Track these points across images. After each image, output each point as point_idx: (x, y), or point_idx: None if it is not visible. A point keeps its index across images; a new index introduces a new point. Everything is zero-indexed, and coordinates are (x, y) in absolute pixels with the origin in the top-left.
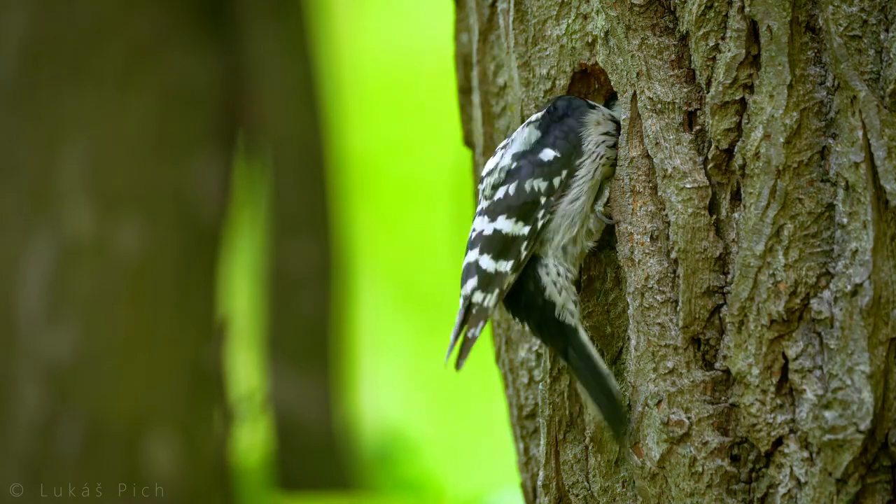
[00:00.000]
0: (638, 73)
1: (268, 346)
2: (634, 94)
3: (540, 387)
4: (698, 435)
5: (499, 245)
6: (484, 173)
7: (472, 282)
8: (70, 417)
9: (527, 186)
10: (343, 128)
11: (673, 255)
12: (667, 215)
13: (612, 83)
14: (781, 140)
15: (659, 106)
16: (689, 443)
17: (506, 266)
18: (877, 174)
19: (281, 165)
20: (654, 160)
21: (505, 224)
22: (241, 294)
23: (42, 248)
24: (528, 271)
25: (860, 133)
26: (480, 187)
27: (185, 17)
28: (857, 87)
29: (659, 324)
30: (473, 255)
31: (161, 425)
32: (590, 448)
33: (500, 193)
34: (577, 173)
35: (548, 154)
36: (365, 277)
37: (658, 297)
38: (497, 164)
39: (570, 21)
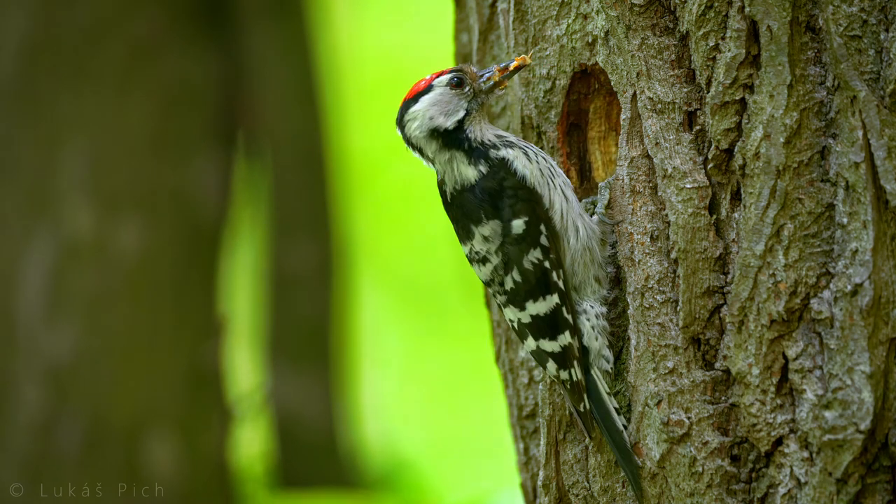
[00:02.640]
0: (638, 73)
1: (268, 346)
2: (634, 94)
3: (540, 387)
4: (698, 435)
5: (545, 326)
6: (483, 279)
7: (552, 367)
8: (70, 417)
9: (526, 265)
10: (343, 128)
11: (673, 255)
12: (667, 215)
13: (612, 83)
14: (781, 140)
15: (659, 106)
16: (689, 443)
17: (565, 338)
18: (877, 174)
19: (281, 165)
20: (654, 160)
21: (536, 307)
22: (241, 294)
23: (42, 247)
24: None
25: (860, 133)
26: (489, 290)
27: (184, 17)
28: (857, 87)
29: (659, 324)
30: (532, 343)
31: (161, 425)
32: (590, 448)
33: (509, 284)
34: (553, 215)
35: (517, 226)
36: (365, 277)
37: (658, 297)
38: (492, 270)
39: (570, 21)
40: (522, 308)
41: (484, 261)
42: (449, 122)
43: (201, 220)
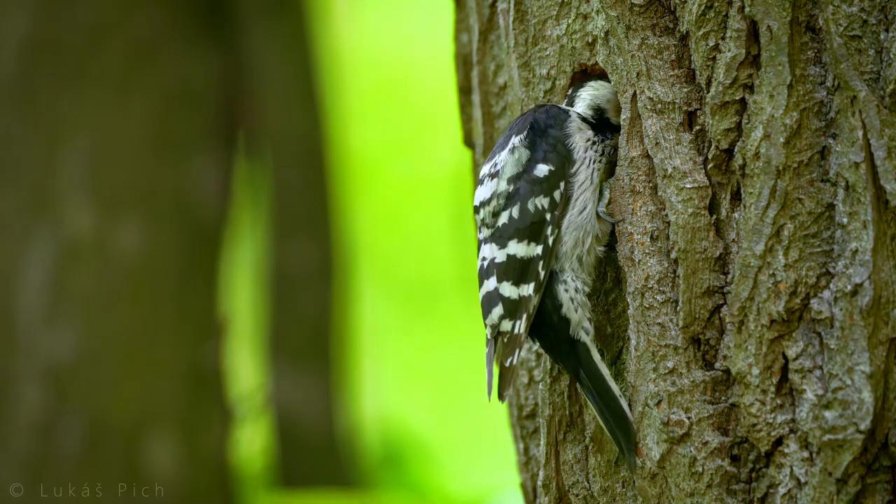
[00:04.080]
0: (638, 73)
1: (268, 346)
2: (634, 94)
3: (540, 387)
4: (698, 435)
5: (516, 270)
6: (478, 202)
7: (498, 310)
8: (70, 417)
9: (530, 206)
10: (343, 128)
11: (673, 255)
12: (667, 215)
13: (613, 83)
14: (781, 140)
15: (659, 106)
16: (689, 443)
17: (528, 289)
18: (877, 174)
19: (281, 165)
20: (654, 160)
21: (517, 248)
22: (242, 294)
23: (42, 247)
24: (546, 289)
25: (860, 133)
26: (478, 217)
27: (184, 17)
28: (857, 87)
29: (659, 324)
30: (492, 283)
31: (161, 425)
32: (590, 448)
33: (503, 219)
34: (574, 182)
35: (542, 169)
36: (365, 277)
37: (658, 297)
38: (494, 191)
39: (570, 21)
40: (503, 245)
41: (495, 176)
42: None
43: (202, 220)
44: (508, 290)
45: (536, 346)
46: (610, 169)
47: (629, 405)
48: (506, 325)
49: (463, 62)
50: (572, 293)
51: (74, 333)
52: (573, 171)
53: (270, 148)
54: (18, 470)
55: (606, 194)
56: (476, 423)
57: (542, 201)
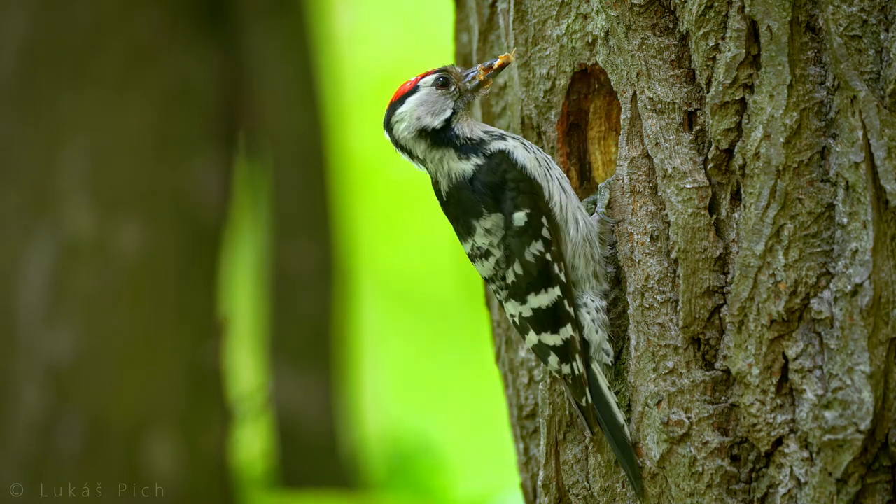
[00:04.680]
0: (638, 73)
1: (269, 346)
2: (634, 94)
3: (540, 387)
4: (698, 435)
5: (547, 319)
6: (484, 277)
7: (553, 360)
8: (70, 417)
9: (528, 257)
10: (343, 128)
11: (673, 255)
12: (667, 215)
13: (612, 83)
14: (781, 140)
15: (659, 106)
16: (689, 443)
17: (568, 331)
18: (877, 174)
19: (281, 165)
20: (654, 160)
21: (538, 300)
22: (242, 294)
23: (42, 248)
24: None
25: (860, 133)
26: (492, 287)
27: (184, 18)
28: (857, 87)
29: (659, 324)
30: (533, 337)
31: (161, 425)
32: (590, 448)
33: (510, 277)
34: (553, 206)
35: (519, 218)
36: (365, 277)
37: (658, 297)
38: (494, 263)
39: (570, 21)
40: (524, 301)
41: (486, 255)
42: (436, 122)
43: (202, 221)
44: (552, 339)
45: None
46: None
47: (629, 405)
48: (566, 370)
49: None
50: (593, 314)
51: (74, 333)
52: (547, 198)
53: (270, 148)
54: (18, 470)
55: (606, 194)
56: (476, 423)
57: (537, 247)
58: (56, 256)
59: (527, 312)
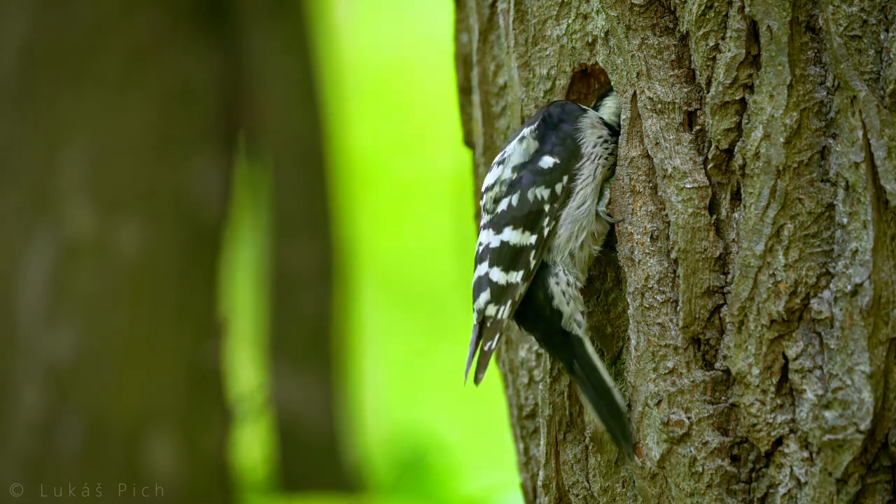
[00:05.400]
0: (638, 73)
1: (269, 347)
2: (634, 94)
3: (540, 387)
4: (698, 435)
5: (508, 256)
6: (483, 188)
7: (485, 295)
8: (70, 417)
9: (529, 196)
10: (343, 128)
11: (673, 255)
12: (667, 215)
13: (612, 83)
14: (781, 140)
15: (659, 106)
16: (689, 443)
17: (517, 277)
18: (877, 174)
19: (282, 165)
20: (654, 160)
21: (512, 235)
22: (242, 294)
23: (42, 248)
24: (538, 280)
25: (860, 133)
26: (482, 202)
27: (184, 18)
28: (857, 87)
29: (659, 324)
30: (483, 268)
31: (161, 425)
32: (590, 448)
33: (503, 205)
34: (578, 177)
35: (547, 161)
36: (366, 277)
37: (658, 297)
38: (498, 177)
39: (570, 21)
40: (499, 231)
41: (503, 162)
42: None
43: (202, 221)
44: (497, 275)
45: (536, 347)
46: (612, 169)
47: (629, 405)
48: (490, 310)
49: (463, 62)
50: (563, 286)
51: (74, 333)
52: (578, 166)
53: (270, 148)
54: (18, 470)
55: (607, 194)
56: (476, 423)
57: (543, 192)
58: (56, 256)
59: (495, 243)
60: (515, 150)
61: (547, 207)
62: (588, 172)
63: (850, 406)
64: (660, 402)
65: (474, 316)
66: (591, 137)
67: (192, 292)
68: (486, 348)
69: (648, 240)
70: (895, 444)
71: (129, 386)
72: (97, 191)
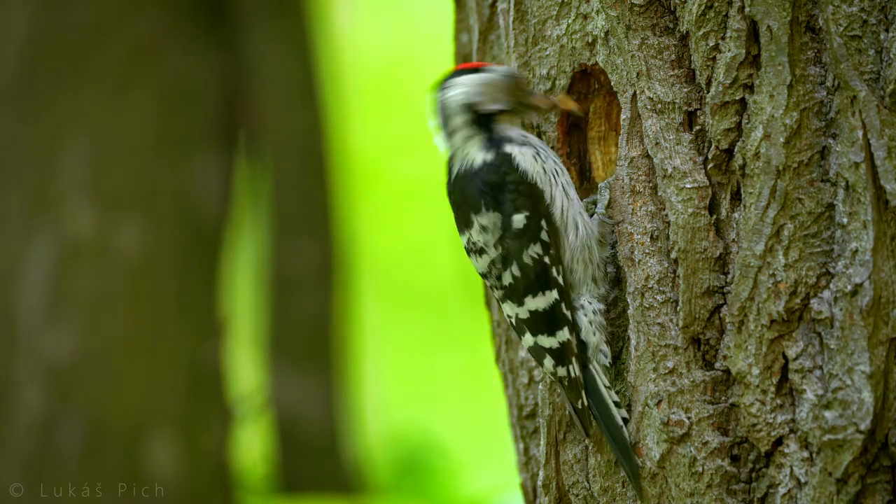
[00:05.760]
0: (638, 73)
1: (269, 347)
2: (634, 94)
3: (540, 387)
4: (698, 435)
5: (544, 322)
6: (480, 272)
7: (549, 363)
8: (70, 417)
9: (526, 259)
10: (343, 128)
11: (673, 255)
12: (667, 215)
13: (612, 83)
14: (781, 140)
15: (659, 106)
16: (689, 443)
17: (564, 335)
18: (877, 174)
19: (282, 165)
20: (654, 160)
21: (535, 302)
22: (242, 294)
23: (43, 248)
24: None
25: (860, 133)
26: (487, 283)
27: (184, 17)
28: (857, 87)
29: (659, 324)
30: (529, 339)
31: (161, 425)
32: (590, 448)
33: (507, 279)
34: (553, 209)
35: (518, 220)
36: (366, 277)
37: (658, 297)
38: (488, 262)
39: (570, 21)
40: (521, 303)
41: (481, 252)
42: (488, 107)
43: (202, 221)
44: (548, 342)
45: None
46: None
47: (629, 405)
48: (562, 372)
49: (463, 62)
50: (591, 316)
51: (75, 334)
52: (546, 198)
53: (271, 148)
54: (18, 470)
55: (606, 195)
56: (476, 423)
57: (535, 249)
58: (56, 256)
59: (524, 314)
60: (485, 238)
61: (548, 259)
62: (558, 196)
63: (850, 406)
64: (660, 402)
65: (550, 378)
66: (531, 165)
67: (192, 292)
68: (579, 406)
69: (648, 240)
70: (895, 444)
71: (129, 386)
72: (97, 191)
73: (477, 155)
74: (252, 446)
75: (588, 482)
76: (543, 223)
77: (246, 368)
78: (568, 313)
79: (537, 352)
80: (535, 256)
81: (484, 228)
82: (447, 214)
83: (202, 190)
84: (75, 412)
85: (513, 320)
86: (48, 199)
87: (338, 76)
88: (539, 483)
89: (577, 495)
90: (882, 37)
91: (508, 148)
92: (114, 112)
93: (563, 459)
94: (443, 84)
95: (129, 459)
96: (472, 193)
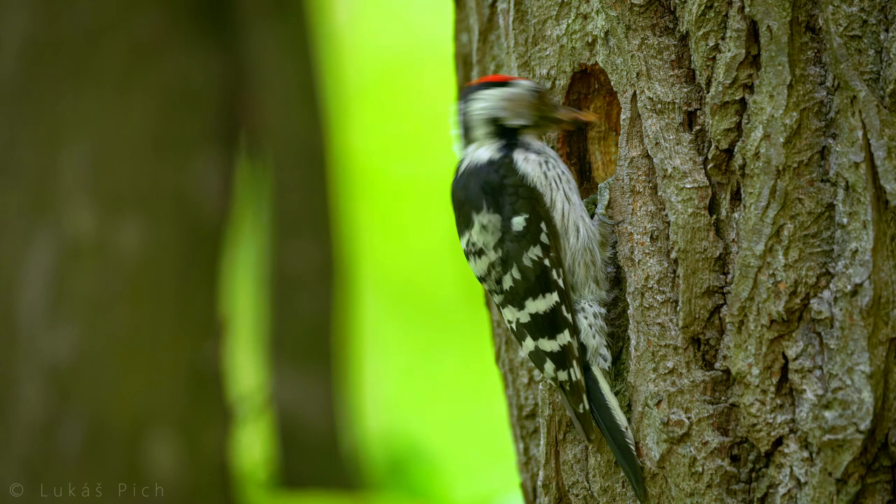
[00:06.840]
0: (638, 73)
1: (269, 347)
2: (634, 94)
3: (540, 387)
4: (698, 435)
5: (545, 325)
6: (478, 277)
7: (549, 366)
8: (71, 417)
9: (526, 262)
10: (343, 128)
11: (673, 255)
12: (667, 215)
13: (612, 83)
14: (781, 140)
15: (659, 106)
16: (689, 443)
17: (565, 337)
18: (877, 174)
19: (282, 165)
20: (654, 160)
21: (536, 305)
22: (243, 294)
23: (43, 248)
24: None
25: (860, 133)
26: (486, 286)
27: (185, 18)
28: (857, 87)
29: (659, 324)
30: (530, 343)
31: (161, 425)
32: (590, 448)
33: (507, 283)
34: (554, 213)
35: (518, 222)
36: (366, 277)
37: (658, 297)
38: (487, 264)
39: (570, 21)
40: (521, 307)
41: (480, 254)
42: (512, 122)
43: (203, 221)
44: (548, 345)
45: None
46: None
47: (629, 405)
48: (563, 376)
49: (463, 62)
50: (591, 319)
51: (75, 333)
52: (547, 202)
53: (271, 148)
54: (18, 470)
55: (606, 195)
56: (476, 423)
57: (535, 251)
58: (57, 256)
59: (524, 318)
60: (485, 238)
61: (548, 262)
62: (559, 200)
63: (850, 406)
64: (660, 402)
65: (550, 383)
66: (535, 170)
67: (192, 292)
68: (580, 410)
69: (648, 240)
70: (895, 444)
71: (129, 386)
72: (98, 191)
73: (485, 154)
74: (252, 446)
75: (588, 482)
76: (543, 226)
77: (246, 368)
78: (569, 316)
79: (538, 356)
80: (535, 259)
81: (484, 228)
82: (447, 214)
83: (203, 190)
84: (75, 412)
85: (513, 325)
86: (49, 199)
87: (338, 77)
88: (539, 483)
89: (576, 495)
90: (882, 37)
91: (516, 152)
92: (114, 112)
93: (563, 459)
94: (468, 95)
95: (129, 459)
96: (474, 190)
